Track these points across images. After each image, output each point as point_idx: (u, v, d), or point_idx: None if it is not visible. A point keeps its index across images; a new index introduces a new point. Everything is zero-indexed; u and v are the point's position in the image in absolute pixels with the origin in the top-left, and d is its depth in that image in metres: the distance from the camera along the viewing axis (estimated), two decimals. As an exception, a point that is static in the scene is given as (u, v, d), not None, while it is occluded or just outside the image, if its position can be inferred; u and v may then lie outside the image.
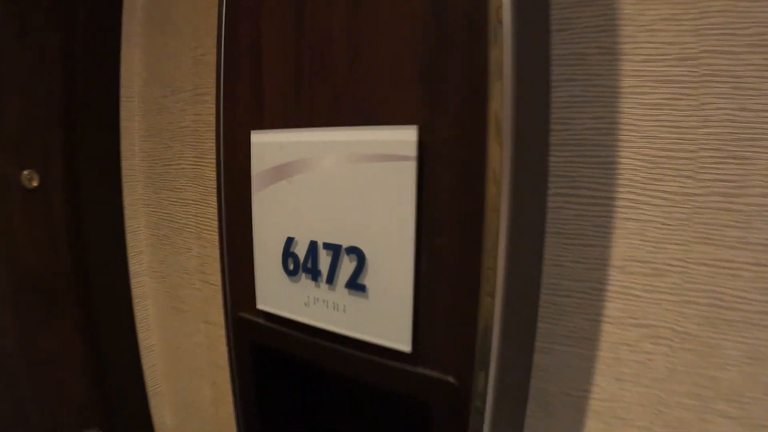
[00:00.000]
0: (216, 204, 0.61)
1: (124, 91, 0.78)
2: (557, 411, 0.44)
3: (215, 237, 0.68)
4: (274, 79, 0.38)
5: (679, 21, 0.35)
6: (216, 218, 0.65)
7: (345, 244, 0.34)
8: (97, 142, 0.78)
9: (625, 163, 0.38)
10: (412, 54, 0.30)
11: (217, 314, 0.71)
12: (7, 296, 0.78)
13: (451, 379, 0.32)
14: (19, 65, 0.74)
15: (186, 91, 0.70)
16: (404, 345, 0.32)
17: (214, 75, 0.61)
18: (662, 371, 0.39)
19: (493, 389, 0.31)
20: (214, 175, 0.64)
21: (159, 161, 0.76)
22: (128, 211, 0.81)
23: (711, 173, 0.36)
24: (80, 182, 0.78)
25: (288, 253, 0.37)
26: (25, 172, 0.74)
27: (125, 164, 0.80)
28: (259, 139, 0.38)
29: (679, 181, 0.36)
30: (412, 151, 0.30)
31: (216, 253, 0.67)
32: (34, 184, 0.74)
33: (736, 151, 0.35)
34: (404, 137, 0.30)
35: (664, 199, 0.37)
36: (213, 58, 0.63)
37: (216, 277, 0.70)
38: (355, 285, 0.34)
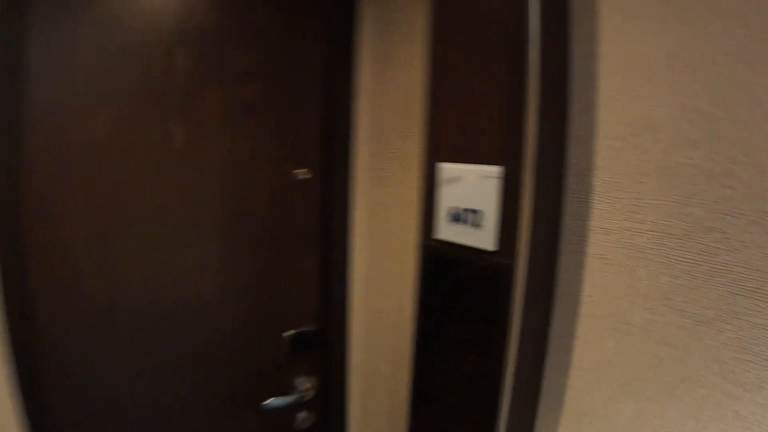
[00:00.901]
0: (417, 195, 1.23)
1: (360, 128, 1.47)
2: (566, 303, 0.97)
3: (412, 211, 1.32)
4: (445, 139, 0.99)
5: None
6: (411, 206, 1.27)
7: (474, 208, 0.93)
8: (340, 155, 1.48)
9: (597, 183, 0.91)
10: (500, 142, 0.88)
11: (408, 257, 1.34)
12: (281, 239, 1.49)
13: (509, 262, 0.89)
14: (292, 123, 1.44)
15: (396, 132, 1.34)
16: (492, 247, 0.91)
17: (413, 123, 1.24)
18: (611, 281, 0.91)
19: (524, 268, 0.88)
20: (412, 179, 1.27)
21: (377, 170, 1.45)
22: (357, 195, 1.49)
23: (631, 189, 0.87)
24: (330, 176, 1.50)
25: (450, 212, 0.97)
26: (304, 170, 1.42)
27: (357, 171, 1.49)
28: (441, 166, 0.98)
29: (621, 192, 0.89)
30: (498, 175, 0.88)
31: (411, 217, 1.31)
32: (308, 176, 1.42)
33: (638, 180, 0.86)
34: (495, 170, 0.89)
35: (613, 200, 0.89)
36: (413, 112, 1.26)
37: (412, 234, 1.32)
38: (476, 224, 0.93)
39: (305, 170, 1.46)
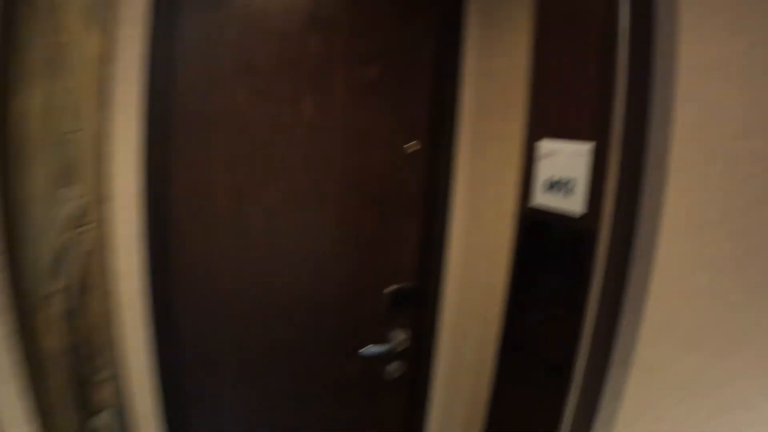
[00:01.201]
0: (513, 170, 1.46)
1: (465, 108, 1.72)
2: (641, 263, 1.18)
3: (508, 184, 1.55)
4: (544, 120, 1.22)
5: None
6: (507, 180, 1.51)
7: (568, 177, 1.16)
8: (446, 131, 1.73)
9: (673, 163, 1.11)
10: (591, 123, 1.10)
11: (502, 225, 1.57)
12: (390, 204, 1.77)
13: (595, 225, 1.12)
14: (405, 102, 1.70)
15: (496, 117, 1.57)
16: (581, 210, 1.14)
17: (512, 106, 1.47)
18: (680, 246, 1.10)
19: (607, 231, 1.10)
20: (509, 155, 1.50)
21: (478, 146, 1.69)
22: (459, 168, 1.75)
23: (701, 169, 1.06)
24: (436, 150, 1.77)
25: (546, 182, 1.21)
26: (414, 142, 1.68)
27: (460, 146, 1.74)
28: (541, 144, 1.22)
29: (693, 171, 1.08)
30: (588, 150, 1.11)
31: (506, 189, 1.54)
32: (417, 147, 1.68)
33: (707, 162, 1.05)
34: (587, 146, 1.12)
35: (685, 177, 1.08)
36: (513, 97, 1.49)
37: (506, 204, 1.55)
38: (569, 191, 1.16)
39: (415, 143, 1.72)
